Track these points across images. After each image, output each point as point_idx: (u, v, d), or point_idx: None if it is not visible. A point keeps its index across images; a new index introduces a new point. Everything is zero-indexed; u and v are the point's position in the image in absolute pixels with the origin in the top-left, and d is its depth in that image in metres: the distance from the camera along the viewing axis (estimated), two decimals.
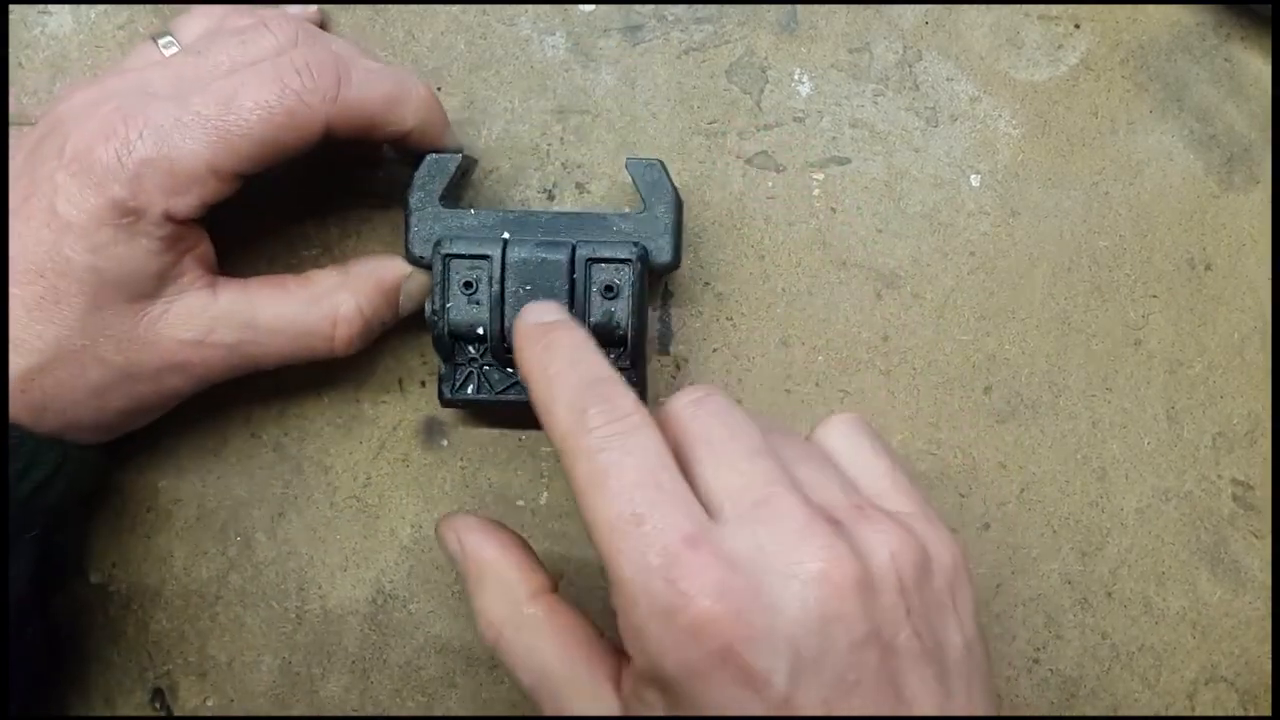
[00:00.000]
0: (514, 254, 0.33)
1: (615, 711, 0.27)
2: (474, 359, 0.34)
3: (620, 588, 0.25)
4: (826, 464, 0.29)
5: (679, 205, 0.34)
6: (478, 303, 0.33)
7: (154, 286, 0.31)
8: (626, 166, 0.34)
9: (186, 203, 0.30)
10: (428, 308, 0.34)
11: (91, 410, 0.31)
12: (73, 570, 0.38)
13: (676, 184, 0.34)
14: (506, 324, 0.33)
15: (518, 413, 0.35)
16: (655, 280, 0.37)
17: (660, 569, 0.24)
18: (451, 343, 0.34)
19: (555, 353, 0.28)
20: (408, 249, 0.34)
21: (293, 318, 0.33)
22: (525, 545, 0.31)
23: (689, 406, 0.28)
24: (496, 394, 0.34)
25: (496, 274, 0.33)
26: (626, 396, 0.27)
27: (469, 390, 0.34)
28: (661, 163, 0.34)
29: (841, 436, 0.30)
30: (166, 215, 0.30)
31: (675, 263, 0.34)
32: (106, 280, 0.30)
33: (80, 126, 0.29)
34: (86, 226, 0.29)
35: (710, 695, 0.24)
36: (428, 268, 0.34)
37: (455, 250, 0.33)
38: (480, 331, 0.33)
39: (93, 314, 0.30)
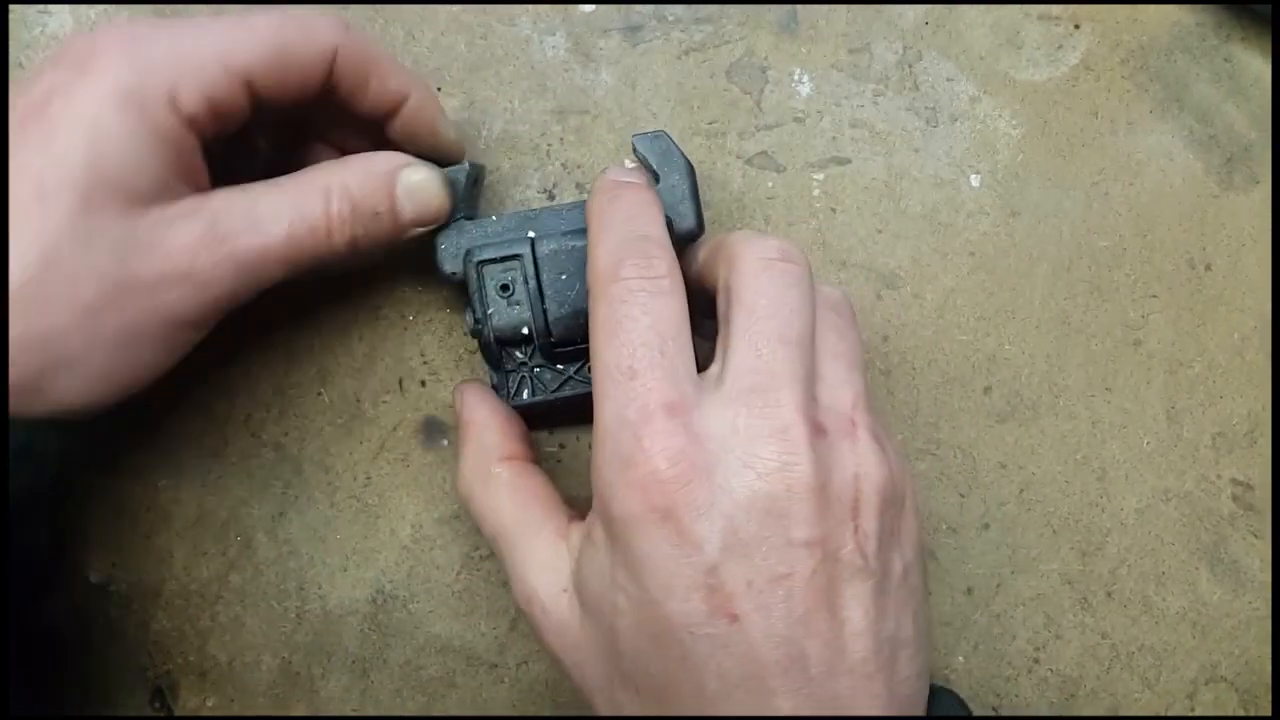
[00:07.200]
0: (544, 248, 0.33)
1: (560, 557, 0.30)
2: (523, 363, 0.34)
3: (597, 429, 0.27)
4: (857, 365, 0.30)
5: (692, 171, 0.33)
6: (518, 303, 0.33)
7: (151, 188, 0.29)
8: (633, 143, 0.33)
9: (194, 87, 0.29)
10: (469, 320, 0.34)
11: (81, 343, 0.28)
12: (71, 570, 0.38)
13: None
14: (550, 318, 0.33)
15: (574, 408, 0.35)
16: (680, 249, 0.37)
17: (633, 424, 0.26)
18: (499, 349, 0.34)
19: (617, 205, 0.30)
20: (439, 268, 0.34)
21: (290, 201, 0.31)
22: (516, 418, 0.34)
23: (757, 263, 0.29)
24: (552, 393, 0.34)
25: (530, 271, 0.33)
26: (664, 260, 0.28)
27: (525, 395, 0.34)
28: (667, 133, 0.33)
29: None
30: (171, 98, 0.28)
31: (699, 228, 0.33)
32: (101, 176, 0.28)
33: (86, 41, 0.29)
34: (84, 113, 0.28)
35: (645, 545, 0.26)
36: (461, 284, 0.34)
37: (486, 256, 0.33)
38: (525, 331, 0.33)
39: (85, 216, 0.28)
